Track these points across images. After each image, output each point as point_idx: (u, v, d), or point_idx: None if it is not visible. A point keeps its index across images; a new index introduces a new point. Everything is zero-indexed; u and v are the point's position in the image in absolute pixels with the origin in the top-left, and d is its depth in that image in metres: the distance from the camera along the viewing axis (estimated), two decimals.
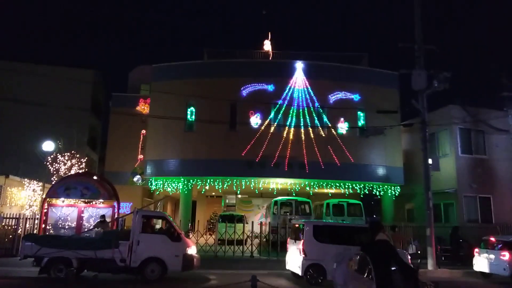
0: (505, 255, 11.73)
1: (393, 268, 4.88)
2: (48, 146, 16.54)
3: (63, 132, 19.56)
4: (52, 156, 17.17)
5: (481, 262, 12.68)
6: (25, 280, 10.41)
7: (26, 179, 16.69)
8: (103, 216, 12.81)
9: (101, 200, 14.00)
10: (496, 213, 18.64)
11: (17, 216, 14.55)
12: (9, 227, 14.42)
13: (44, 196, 14.21)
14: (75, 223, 13.47)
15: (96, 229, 11.96)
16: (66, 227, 13.40)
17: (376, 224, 5.39)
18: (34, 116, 23.92)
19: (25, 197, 16.69)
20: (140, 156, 23.02)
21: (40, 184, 16.79)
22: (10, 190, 16.04)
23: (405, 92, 20.61)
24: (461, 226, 16.81)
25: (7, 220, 14.33)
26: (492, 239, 12.79)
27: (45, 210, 13.20)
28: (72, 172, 17.14)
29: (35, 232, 13.75)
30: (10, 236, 14.26)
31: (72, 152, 17.91)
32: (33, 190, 16.74)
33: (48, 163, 16.89)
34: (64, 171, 17.25)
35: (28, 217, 15.10)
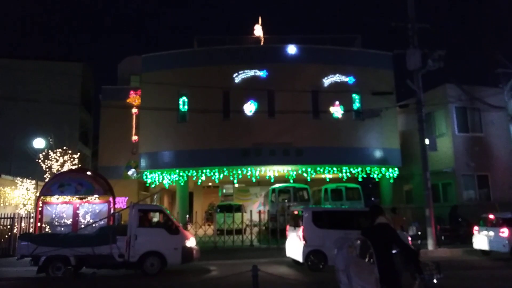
0: (504, 232, 11.81)
1: (394, 251, 4.77)
2: (39, 143, 16.22)
3: (53, 128, 19.20)
4: (43, 153, 16.84)
5: (481, 239, 12.76)
6: (23, 280, 10.26)
7: (18, 178, 16.40)
8: None
9: (96, 196, 13.80)
10: (494, 191, 18.66)
11: (12, 216, 14.33)
12: (4, 227, 14.22)
13: (38, 195, 13.97)
14: (71, 220, 13.29)
15: None
16: (63, 224, 13.22)
17: (376, 208, 5.27)
18: (23, 113, 23.44)
19: (18, 196, 16.42)
20: (134, 150, 22.69)
21: (33, 182, 16.52)
22: (3, 189, 15.78)
23: (400, 73, 20.37)
24: (460, 205, 16.83)
25: (2, 220, 14.12)
26: (491, 216, 12.83)
27: (40, 209, 12.99)
28: (65, 168, 16.83)
29: (31, 231, 13.54)
30: (6, 236, 14.08)
31: (64, 148, 17.53)
32: (26, 188, 16.46)
33: (40, 161, 16.57)
34: (56, 168, 16.92)
35: (23, 216, 14.88)
